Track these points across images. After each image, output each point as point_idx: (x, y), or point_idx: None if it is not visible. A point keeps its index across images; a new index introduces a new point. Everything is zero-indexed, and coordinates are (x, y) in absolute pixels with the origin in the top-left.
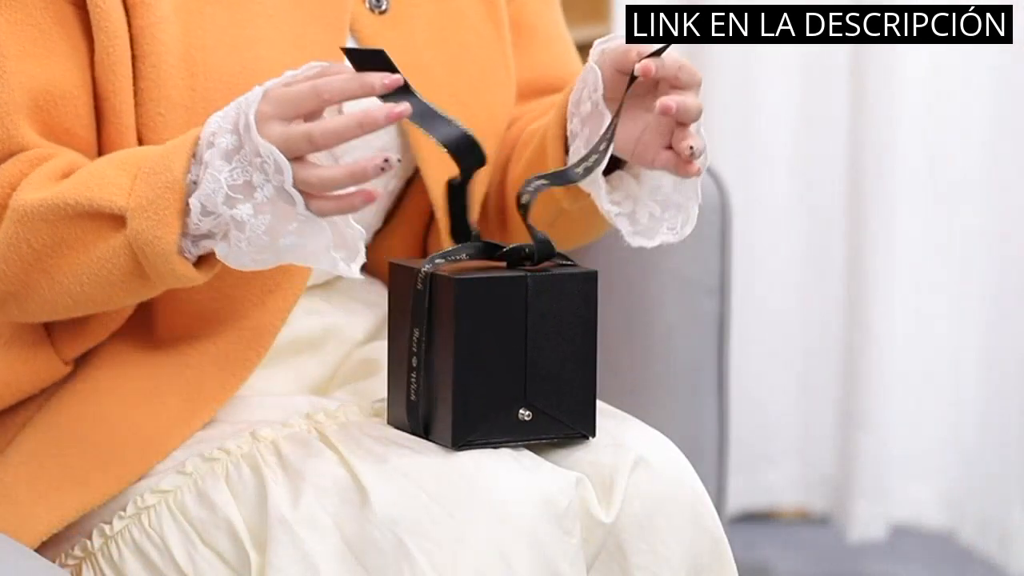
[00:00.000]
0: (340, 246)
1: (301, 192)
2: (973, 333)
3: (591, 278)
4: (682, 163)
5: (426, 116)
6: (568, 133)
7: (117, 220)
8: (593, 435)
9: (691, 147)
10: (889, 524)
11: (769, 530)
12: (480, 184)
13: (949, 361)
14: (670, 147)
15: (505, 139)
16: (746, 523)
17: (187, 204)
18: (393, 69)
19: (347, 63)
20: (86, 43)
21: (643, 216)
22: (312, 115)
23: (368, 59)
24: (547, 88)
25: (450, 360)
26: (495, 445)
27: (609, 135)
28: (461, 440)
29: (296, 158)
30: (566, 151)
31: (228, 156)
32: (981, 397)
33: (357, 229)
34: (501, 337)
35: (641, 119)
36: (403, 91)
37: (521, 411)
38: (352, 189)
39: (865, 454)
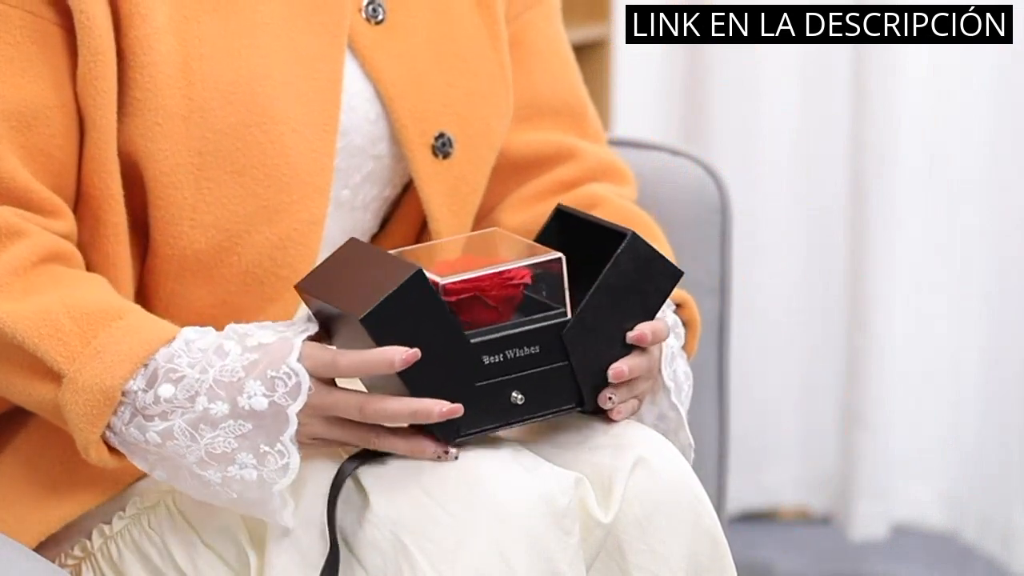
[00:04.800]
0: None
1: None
2: (973, 333)
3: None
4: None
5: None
6: None
7: (55, 376)
8: (583, 404)
9: (610, 398)
10: (890, 524)
11: (769, 530)
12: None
13: (949, 361)
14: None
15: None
16: (746, 523)
17: (122, 409)
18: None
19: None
20: (68, 64)
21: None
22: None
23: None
24: (544, 112)
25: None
26: (493, 430)
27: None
28: (458, 434)
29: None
30: None
31: (213, 422)
32: (981, 397)
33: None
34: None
35: None
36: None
37: (514, 394)
38: None
39: (866, 454)
